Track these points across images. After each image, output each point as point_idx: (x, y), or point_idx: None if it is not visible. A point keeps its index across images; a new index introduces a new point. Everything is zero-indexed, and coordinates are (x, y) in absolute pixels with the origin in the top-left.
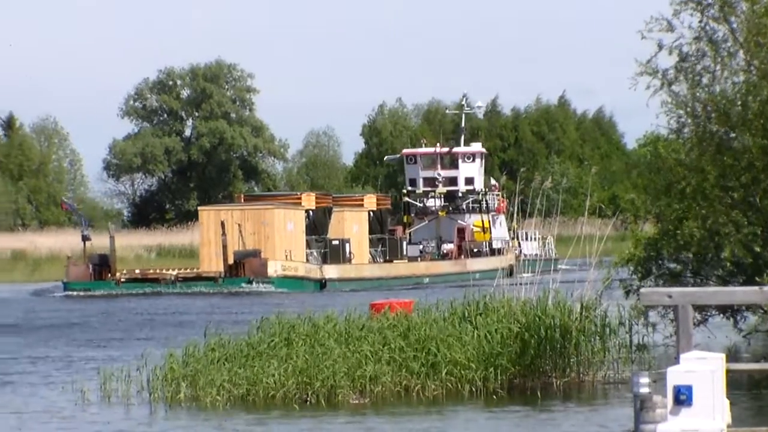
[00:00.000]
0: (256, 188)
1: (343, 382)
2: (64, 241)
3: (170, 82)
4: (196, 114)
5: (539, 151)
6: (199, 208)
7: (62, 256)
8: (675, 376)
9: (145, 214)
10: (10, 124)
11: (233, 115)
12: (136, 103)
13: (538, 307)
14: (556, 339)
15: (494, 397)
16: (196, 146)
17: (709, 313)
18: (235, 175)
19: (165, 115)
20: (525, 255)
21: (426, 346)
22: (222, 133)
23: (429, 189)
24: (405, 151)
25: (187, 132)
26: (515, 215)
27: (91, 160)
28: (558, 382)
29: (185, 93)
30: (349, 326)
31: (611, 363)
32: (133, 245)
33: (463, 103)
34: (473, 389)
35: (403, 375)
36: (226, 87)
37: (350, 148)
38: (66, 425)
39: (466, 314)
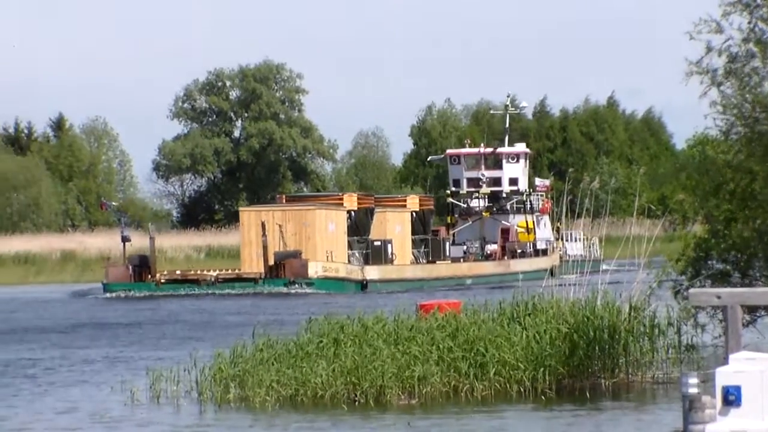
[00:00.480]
0: (305, 189)
1: (391, 382)
2: (114, 242)
3: (219, 83)
4: (246, 115)
5: (588, 152)
6: (240, 208)
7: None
8: (724, 376)
9: (194, 214)
10: (59, 125)
11: (282, 116)
12: (186, 104)
13: (587, 308)
14: (605, 339)
15: (543, 397)
16: (245, 147)
17: (758, 314)
18: (284, 175)
19: (214, 116)
20: (569, 256)
21: (475, 347)
22: (271, 134)
23: (473, 189)
24: (449, 151)
25: (236, 133)
26: (564, 216)
27: (141, 161)
28: (607, 383)
29: (234, 94)
30: (398, 327)
31: (660, 363)
32: (182, 246)
33: (508, 103)
34: (522, 390)
35: (451, 375)
36: (275, 88)
37: (399, 148)
38: (116, 426)
39: (515, 315)
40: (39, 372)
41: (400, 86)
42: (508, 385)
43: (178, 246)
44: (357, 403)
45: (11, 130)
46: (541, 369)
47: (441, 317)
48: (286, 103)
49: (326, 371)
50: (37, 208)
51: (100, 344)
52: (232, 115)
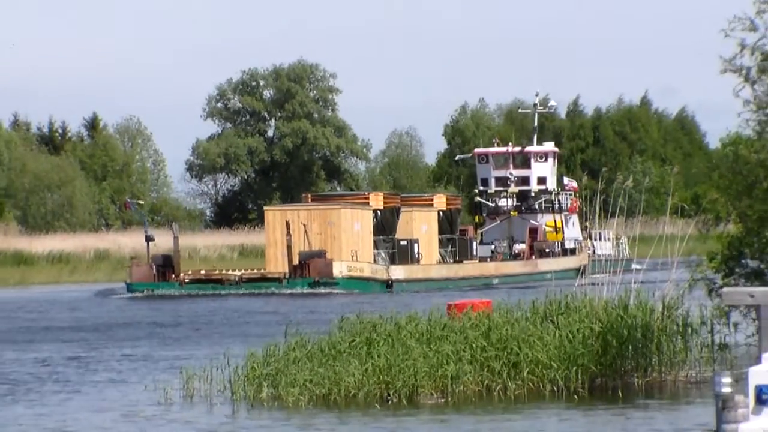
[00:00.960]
0: (338, 188)
1: (424, 381)
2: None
3: (253, 83)
4: (279, 114)
5: (621, 151)
6: (264, 208)
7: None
8: (757, 375)
9: (228, 214)
10: (93, 124)
11: (316, 116)
12: (219, 104)
13: (620, 307)
14: (638, 339)
15: (576, 396)
16: (279, 146)
17: None
18: (317, 175)
19: (248, 116)
20: (598, 255)
21: (508, 346)
22: (304, 134)
23: (501, 189)
24: (476, 150)
25: (270, 132)
26: (597, 215)
27: (174, 160)
28: (639, 382)
29: (268, 94)
30: (431, 326)
31: (693, 363)
32: (216, 245)
33: (537, 102)
34: (555, 389)
35: (484, 375)
36: (309, 87)
37: (433, 148)
38: (149, 424)
39: (548, 314)
40: (70, 371)
41: (433, 86)
42: (541, 385)
43: (212, 245)
44: (390, 402)
45: (45, 130)
46: (574, 368)
47: (474, 316)
48: (320, 103)
49: (359, 370)
50: (71, 208)
51: (129, 343)
52: (265, 114)
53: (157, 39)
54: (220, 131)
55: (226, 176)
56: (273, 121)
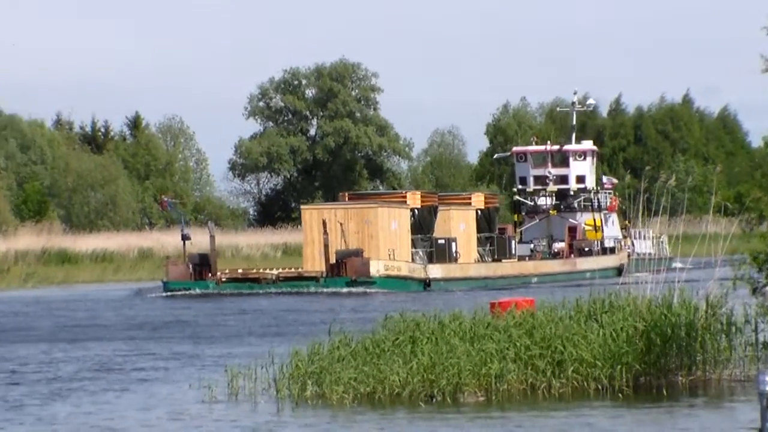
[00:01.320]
0: (380, 187)
1: (468, 379)
2: (193, 239)
3: (295, 82)
4: (321, 113)
5: (664, 150)
6: (301, 207)
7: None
8: None
9: (271, 212)
10: (136, 124)
11: (358, 115)
12: (261, 103)
13: (664, 306)
14: (682, 337)
15: (620, 395)
16: (321, 145)
17: None
18: (360, 174)
19: (290, 115)
20: (638, 254)
21: (552, 344)
22: (347, 133)
23: (540, 187)
24: (515, 149)
25: (312, 131)
26: (640, 214)
27: (217, 159)
28: (684, 380)
29: (310, 93)
30: (475, 324)
31: (737, 361)
32: (260, 243)
33: (575, 100)
34: (599, 387)
35: (528, 373)
36: (351, 86)
37: (475, 146)
38: (194, 423)
39: (592, 312)
40: (114, 370)
41: (476, 84)
42: (585, 383)
43: (254, 244)
44: (434, 400)
45: (88, 129)
46: (619, 366)
47: (518, 315)
48: (362, 102)
49: (403, 369)
50: (114, 207)
51: (173, 341)
52: (307, 113)
53: (199, 38)
54: (262, 130)
55: (269, 175)
56: (315, 120)
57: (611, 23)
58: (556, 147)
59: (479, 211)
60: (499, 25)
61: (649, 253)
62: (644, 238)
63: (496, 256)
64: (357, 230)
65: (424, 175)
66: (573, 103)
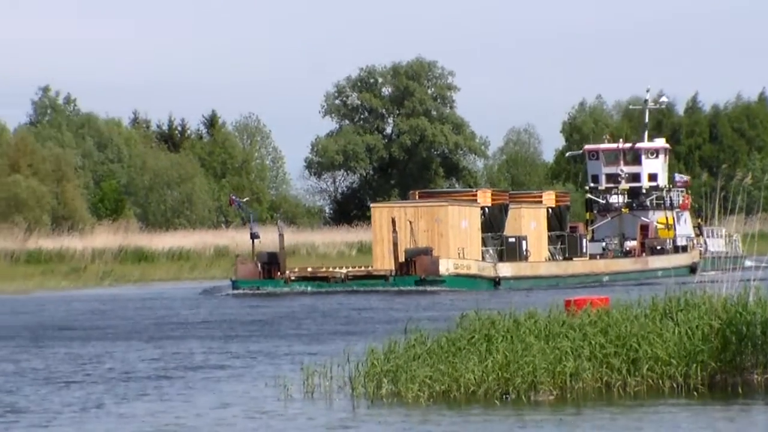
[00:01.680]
0: (456, 185)
1: (543, 378)
2: (266, 238)
3: (371, 80)
4: (398, 111)
5: (740, 148)
6: (371, 205)
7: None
8: None
9: (347, 210)
10: (212, 122)
11: (434, 113)
12: (337, 101)
13: (739, 304)
14: (758, 335)
15: (695, 393)
16: (397, 143)
17: None
18: (436, 172)
19: (366, 113)
20: (710, 252)
21: (627, 343)
22: (423, 131)
23: (611, 185)
24: (587, 146)
25: (388, 129)
26: (716, 212)
27: (293, 157)
28: (759, 378)
29: (386, 91)
30: (550, 322)
31: None
32: (335, 242)
33: (648, 98)
34: (674, 385)
35: (603, 371)
36: (427, 84)
37: (551, 145)
38: (270, 421)
39: (667, 310)
40: (188, 367)
41: (551, 82)
42: (660, 381)
43: (330, 242)
44: (508, 398)
45: (165, 128)
46: (694, 365)
47: (592, 313)
48: (438, 100)
49: (478, 367)
50: (190, 205)
51: (250, 340)
52: (383, 112)
53: (276, 37)
54: (338, 128)
55: (345, 173)
56: (391, 118)
57: (687, 20)
58: (628, 145)
59: (550, 210)
60: (575, 23)
61: (722, 252)
62: (717, 237)
63: (567, 255)
64: (427, 228)
65: (499, 173)
66: (646, 101)
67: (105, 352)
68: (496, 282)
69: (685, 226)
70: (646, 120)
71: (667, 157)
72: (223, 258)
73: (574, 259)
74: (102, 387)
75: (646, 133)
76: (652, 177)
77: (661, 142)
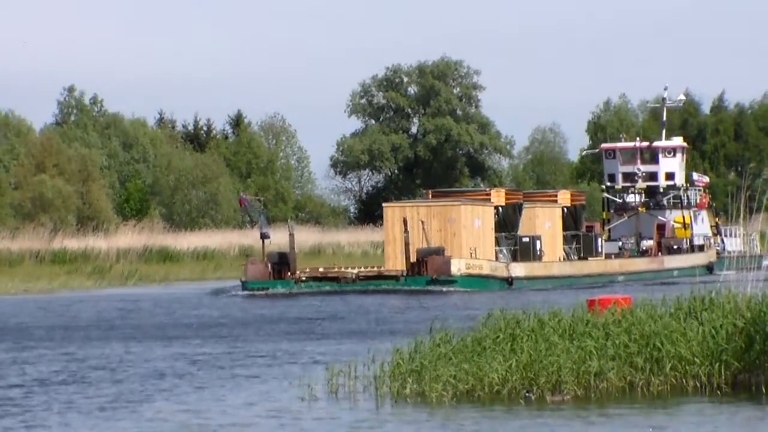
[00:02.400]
0: (481, 184)
1: (567, 377)
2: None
3: (397, 80)
4: (423, 111)
5: (765, 147)
6: (383, 204)
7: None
8: None
9: (372, 210)
10: (238, 122)
11: (459, 112)
12: (363, 101)
13: (764, 303)
14: None
15: (719, 392)
16: (423, 143)
17: None
18: (461, 171)
19: (391, 113)
20: (728, 251)
21: (651, 342)
22: (448, 130)
23: (628, 184)
24: (603, 145)
25: (414, 129)
26: (742, 211)
27: (318, 157)
28: None
29: (412, 90)
30: (574, 322)
31: None
32: (360, 241)
33: (665, 96)
34: (698, 385)
35: (626, 370)
36: (453, 84)
37: (576, 144)
38: (294, 420)
39: (692, 310)
40: (210, 366)
41: (577, 82)
42: (684, 380)
43: (355, 241)
44: (531, 397)
45: (191, 128)
46: (717, 364)
47: (616, 312)
48: (463, 100)
49: (502, 366)
50: (215, 205)
51: (270, 340)
52: (409, 111)
53: (301, 37)
54: (363, 128)
55: (370, 173)
56: (417, 117)
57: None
58: (645, 144)
59: (565, 209)
60: (600, 21)
61: (740, 251)
62: (734, 236)
63: (582, 254)
64: (440, 228)
65: (524, 172)
66: (664, 99)
67: (124, 352)
68: (508, 282)
69: (702, 226)
70: (664, 118)
71: (685, 156)
72: (247, 258)
73: (590, 258)
74: (125, 386)
75: (664, 132)
76: (669, 176)
77: (678, 141)
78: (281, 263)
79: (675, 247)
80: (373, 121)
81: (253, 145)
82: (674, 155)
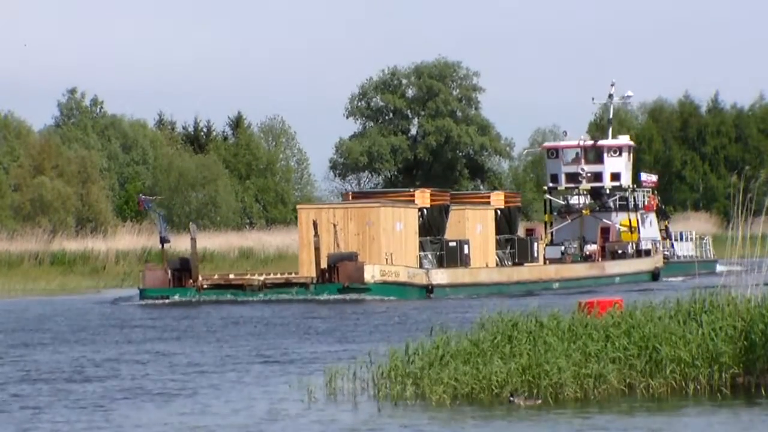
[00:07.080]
0: (481, 186)
1: (568, 380)
2: (292, 239)
3: (395, 81)
4: (422, 113)
5: (765, 149)
6: (297, 206)
7: (290, 255)
8: None
9: None
10: (237, 123)
11: (459, 114)
12: (361, 103)
13: (764, 305)
14: None
15: (718, 395)
16: (422, 145)
17: None
18: (461, 173)
19: (390, 114)
20: (678, 256)
21: (650, 344)
22: (448, 132)
23: (572, 185)
24: (545, 144)
25: (413, 131)
26: (741, 213)
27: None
28: None
29: (410, 92)
30: (573, 324)
31: None
32: None
33: (612, 92)
34: (697, 387)
35: (626, 373)
36: (452, 86)
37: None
38: (294, 423)
39: (691, 312)
40: (208, 370)
41: (577, 83)
42: (683, 383)
43: None
44: (515, 401)
45: (191, 129)
46: (717, 366)
47: (616, 315)
48: (463, 101)
49: (502, 369)
50: (215, 206)
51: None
52: (408, 113)
53: (300, 39)
54: (362, 130)
55: (370, 175)
56: (416, 119)
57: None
58: (589, 143)
59: (499, 211)
60: (600, 23)
61: (691, 256)
62: (686, 240)
63: (517, 260)
64: (357, 232)
65: (525, 174)
66: (610, 96)
67: (119, 354)
68: (428, 290)
69: (650, 229)
70: (611, 116)
71: (632, 155)
72: (247, 259)
73: (525, 264)
74: (123, 389)
75: (610, 130)
76: (615, 176)
77: (625, 140)
78: (182, 269)
79: (620, 251)
80: (372, 124)
81: (253, 147)
82: (620, 154)
